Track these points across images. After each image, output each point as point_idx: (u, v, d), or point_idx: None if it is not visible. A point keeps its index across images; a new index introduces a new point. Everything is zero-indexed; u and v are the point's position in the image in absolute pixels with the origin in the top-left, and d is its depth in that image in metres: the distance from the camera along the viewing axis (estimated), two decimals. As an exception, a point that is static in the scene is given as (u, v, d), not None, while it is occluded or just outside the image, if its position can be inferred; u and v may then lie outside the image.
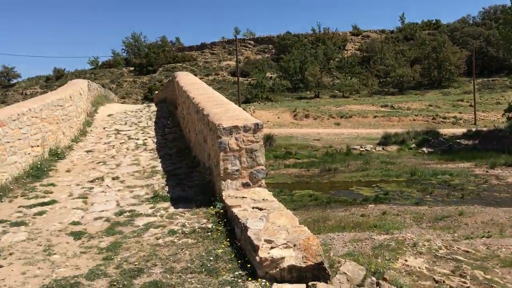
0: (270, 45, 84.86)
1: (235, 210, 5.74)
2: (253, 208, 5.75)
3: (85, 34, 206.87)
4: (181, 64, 79.65)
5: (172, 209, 6.95)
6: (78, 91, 15.17)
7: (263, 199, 6.11)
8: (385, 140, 32.95)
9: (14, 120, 8.99)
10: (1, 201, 7.62)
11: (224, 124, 6.63)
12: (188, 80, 14.59)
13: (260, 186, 6.68)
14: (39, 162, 9.81)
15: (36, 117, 10.11)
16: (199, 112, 8.68)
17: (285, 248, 4.62)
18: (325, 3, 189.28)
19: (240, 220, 5.33)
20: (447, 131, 36.95)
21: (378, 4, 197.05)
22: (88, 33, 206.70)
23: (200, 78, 21.76)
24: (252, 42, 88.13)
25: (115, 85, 73.19)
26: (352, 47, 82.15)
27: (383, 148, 31.95)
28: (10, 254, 5.49)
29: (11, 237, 6.06)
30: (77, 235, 6.08)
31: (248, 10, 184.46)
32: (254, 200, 6.10)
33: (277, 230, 4.95)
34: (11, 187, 8.31)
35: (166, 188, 8.13)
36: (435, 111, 46.44)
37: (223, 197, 6.38)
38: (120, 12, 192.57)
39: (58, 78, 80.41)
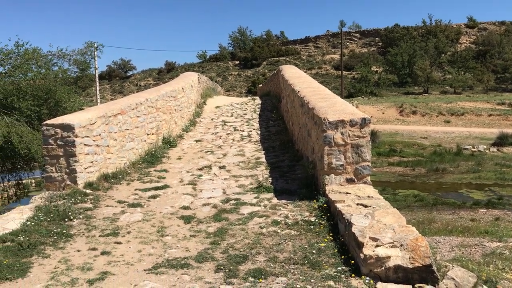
0: (377, 38, 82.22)
1: (338, 205, 5.70)
2: (357, 204, 5.67)
3: (194, 28, 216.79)
4: (284, 57, 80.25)
5: (275, 200, 7.08)
6: (190, 83, 15.99)
7: (368, 196, 6.00)
8: (501, 141, 30.41)
9: (133, 109, 9.72)
10: (120, 184, 8.30)
11: (330, 118, 6.59)
12: (293, 74, 14.67)
13: (365, 182, 6.56)
14: (153, 149, 10.54)
15: (152, 107, 10.85)
16: (304, 105, 8.70)
17: (391, 247, 4.51)
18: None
19: (344, 216, 5.29)
20: None
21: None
22: (197, 28, 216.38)
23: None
24: (358, 35, 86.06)
25: (221, 78, 75.79)
26: (466, 40, 76.80)
27: (498, 149, 29.59)
28: (128, 232, 5.97)
29: (129, 217, 6.59)
30: (187, 219, 6.45)
31: (354, 3, 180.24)
32: (359, 196, 6.01)
33: (383, 228, 4.84)
34: (129, 171, 9.03)
35: (270, 180, 8.28)
36: (562, 110, 41.79)
37: (326, 192, 6.37)
38: (228, 7, 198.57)
39: (169, 71, 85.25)
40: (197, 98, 18.19)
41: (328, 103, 7.61)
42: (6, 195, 18.22)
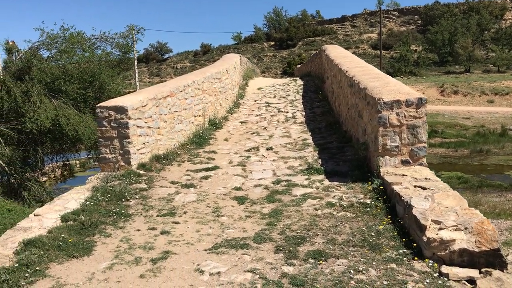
0: (416, 16, 79.78)
1: (395, 187, 5.61)
2: (415, 186, 5.58)
3: (229, 10, 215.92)
4: (320, 37, 79.01)
5: (327, 182, 7.03)
6: (233, 65, 15.99)
7: (425, 178, 5.90)
8: (550, 121, 29.21)
9: (181, 91, 9.82)
10: (171, 165, 8.43)
11: (384, 98, 6.46)
12: (338, 53, 14.41)
13: (420, 164, 6.45)
14: (200, 131, 10.65)
15: (198, 89, 10.92)
16: (353, 85, 8.56)
17: (455, 230, 4.43)
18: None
19: (402, 198, 5.21)
20: None
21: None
22: (232, 9, 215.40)
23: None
24: (396, 13, 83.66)
25: (256, 59, 75.38)
26: (511, 16, 73.52)
27: (546, 130, 28.41)
28: (184, 212, 6.07)
29: (183, 197, 6.70)
30: (240, 200, 6.51)
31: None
32: (416, 178, 5.90)
33: (445, 211, 4.75)
34: (179, 152, 9.16)
35: (319, 161, 8.24)
36: None
37: (381, 174, 6.28)
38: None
39: (204, 53, 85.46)
40: (239, 79, 18.19)
41: (380, 83, 7.45)
42: (53, 175, 18.83)
